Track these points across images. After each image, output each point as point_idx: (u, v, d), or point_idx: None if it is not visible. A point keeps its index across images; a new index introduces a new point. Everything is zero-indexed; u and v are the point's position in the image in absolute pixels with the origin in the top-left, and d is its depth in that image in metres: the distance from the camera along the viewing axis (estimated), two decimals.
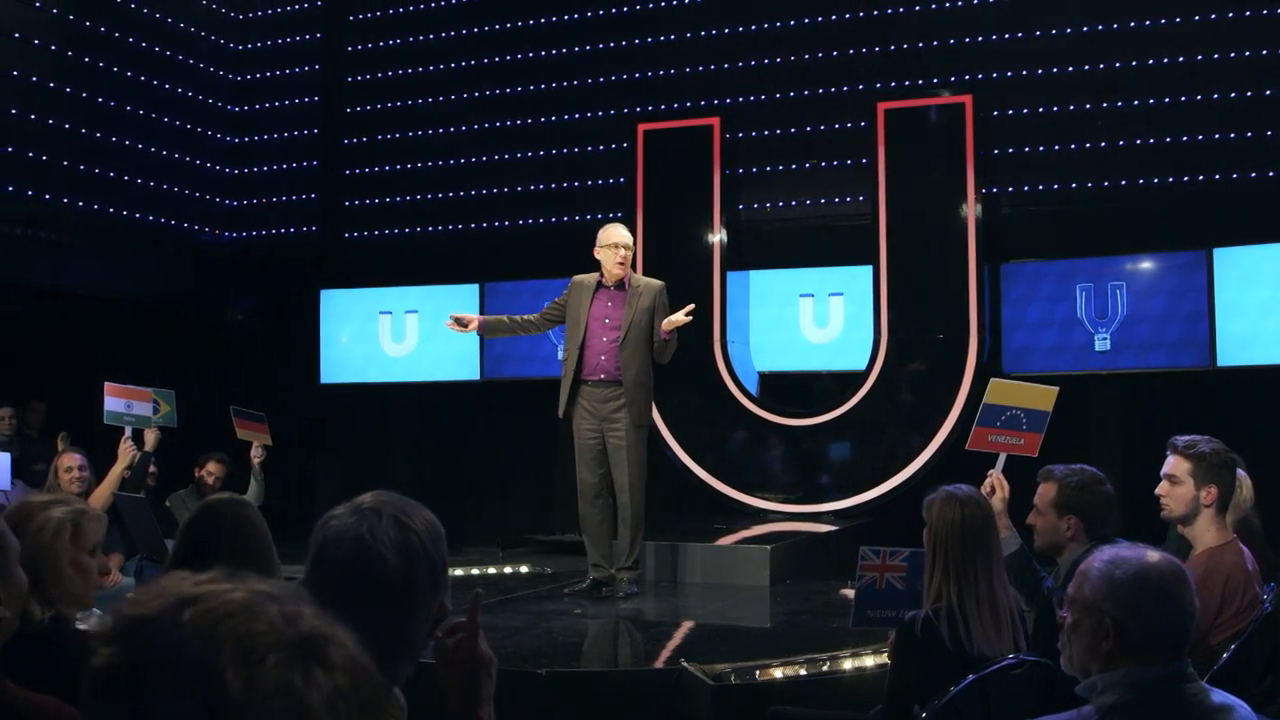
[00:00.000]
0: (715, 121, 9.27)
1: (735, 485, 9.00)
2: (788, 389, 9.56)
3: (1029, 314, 8.82)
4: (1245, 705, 2.42)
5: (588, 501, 6.74)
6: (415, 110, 10.91)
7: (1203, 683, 2.40)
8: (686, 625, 5.93)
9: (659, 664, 4.92)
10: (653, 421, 6.88)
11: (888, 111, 8.83)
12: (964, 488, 3.57)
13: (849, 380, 8.97)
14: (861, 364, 8.86)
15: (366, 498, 2.01)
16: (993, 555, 3.43)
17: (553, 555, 8.81)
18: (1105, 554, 2.45)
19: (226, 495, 3.04)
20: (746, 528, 8.34)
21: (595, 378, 6.71)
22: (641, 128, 9.47)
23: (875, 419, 8.77)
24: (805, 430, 8.94)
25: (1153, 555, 2.41)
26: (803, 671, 4.62)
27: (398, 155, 10.97)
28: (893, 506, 8.47)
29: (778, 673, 4.57)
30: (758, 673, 4.55)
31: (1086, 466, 3.95)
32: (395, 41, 11.02)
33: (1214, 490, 3.97)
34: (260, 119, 11.46)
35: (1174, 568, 2.38)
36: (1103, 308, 8.61)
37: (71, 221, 9.62)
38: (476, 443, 10.74)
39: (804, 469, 9.00)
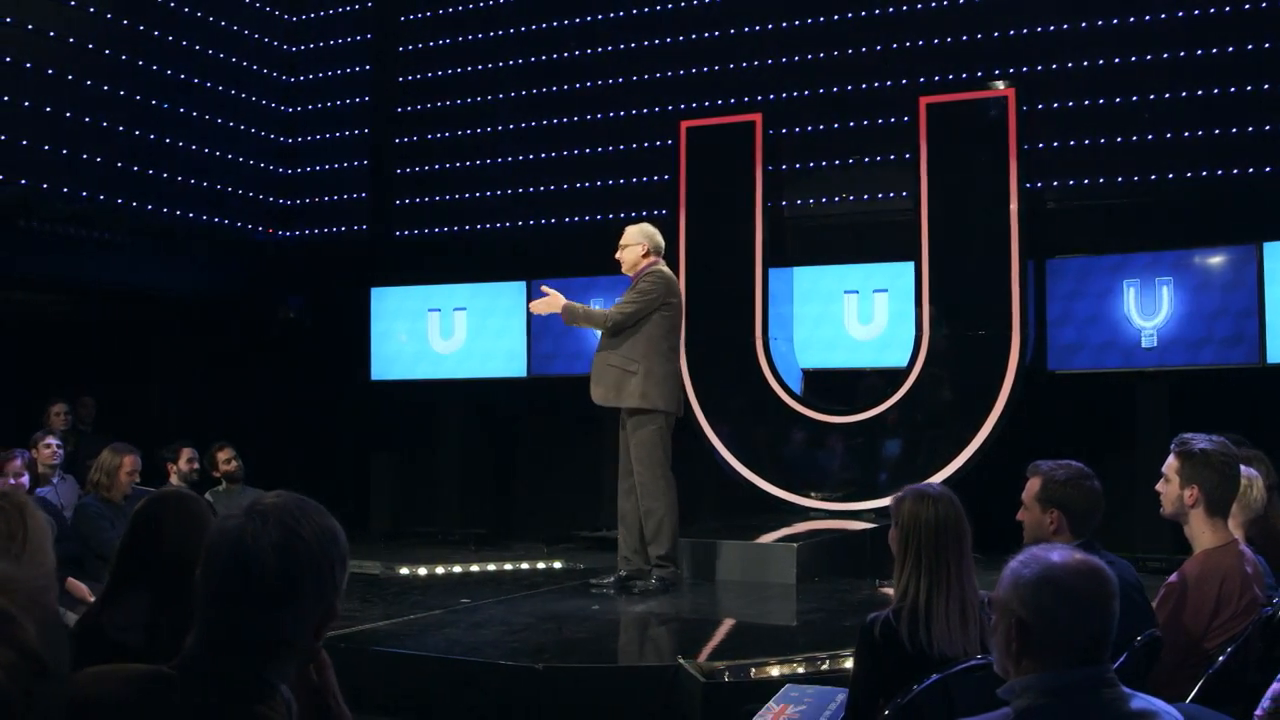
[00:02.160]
0: (757, 118, 9.23)
1: (776, 482, 8.96)
2: (832, 386, 9.49)
3: (1075, 310, 8.66)
4: (1172, 710, 2.37)
5: (621, 493, 6.86)
6: (464, 109, 11.01)
7: (1124, 688, 2.35)
8: (697, 622, 5.94)
9: (657, 660, 4.93)
10: (662, 410, 6.81)
11: (930, 105, 8.73)
12: (935, 485, 3.54)
13: (894, 377, 8.89)
14: (906, 360, 8.77)
15: (267, 499, 2.04)
16: (964, 553, 3.39)
17: (596, 552, 8.86)
18: (1024, 552, 2.41)
19: (174, 489, 3.11)
20: (788, 525, 8.30)
21: None
22: (684, 124, 9.47)
23: (917, 416, 8.68)
24: (846, 427, 8.88)
25: (1073, 556, 2.36)
26: (800, 670, 4.59)
27: (446, 154, 11.07)
28: None
29: (774, 671, 4.55)
30: (753, 670, 4.54)
31: (1073, 462, 3.87)
32: (445, 41, 11.12)
33: (1195, 490, 3.88)
34: (311, 119, 11.63)
35: (1087, 569, 2.32)
36: (1150, 304, 8.44)
37: (124, 221, 9.83)
38: (524, 439, 10.82)
39: (845, 466, 8.94)
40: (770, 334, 9.13)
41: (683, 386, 7.27)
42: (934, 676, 3.20)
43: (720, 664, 4.58)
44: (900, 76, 9.28)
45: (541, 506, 10.47)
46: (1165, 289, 8.41)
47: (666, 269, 6.99)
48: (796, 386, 9.24)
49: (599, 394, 6.89)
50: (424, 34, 11.21)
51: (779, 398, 9.00)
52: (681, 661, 4.61)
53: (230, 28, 10.97)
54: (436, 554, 9.20)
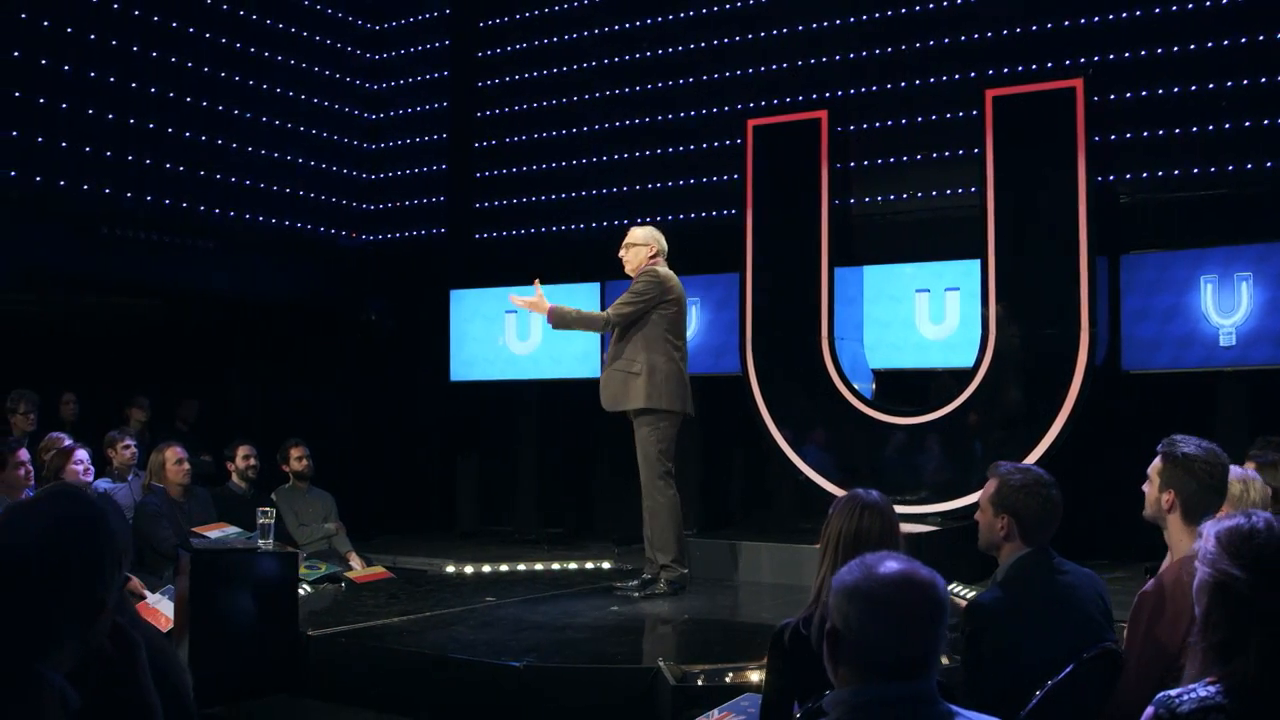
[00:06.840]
0: (823, 115, 9.10)
1: (842, 484, 8.81)
2: (904, 387, 9.32)
3: (1151, 307, 8.35)
4: None
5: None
6: (539, 113, 11.14)
7: (950, 706, 2.25)
8: (706, 624, 5.88)
9: (642, 663, 4.90)
10: (665, 409, 6.86)
11: (996, 99, 8.49)
12: (874, 494, 3.44)
13: (965, 377, 8.68)
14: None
15: (40, 493, 2.11)
16: None
17: None
18: (857, 559, 2.34)
19: (58, 485, 3.15)
20: None
21: None
22: (750, 123, 9.39)
23: (983, 417, 8.46)
24: (912, 429, 8.70)
25: (898, 568, 2.25)
26: None
27: (523, 157, 11.21)
28: None
29: (754, 676, 4.48)
30: (730, 675, 4.48)
31: (1035, 467, 3.75)
32: (521, 46, 11.25)
33: (1172, 495, 3.71)
34: (392, 125, 11.89)
35: (907, 582, 2.20)
36: (1229, 300, 8.09)
37: (209, 227, 10.17)
38: (598, 439, 10.86)
39: (910, 468, 8.75)
40: (837, 334, 9.00)
41: (687, 384, 7.12)
42: None
43: (697, 668, 4.54)
44: (968, 69, 9.07)
45: (617, 506, 10.49)
46: (1244, 285, 8.05)
47: (665, 268, 7.01)
48: (866, 387, 9.10)
49: (606, 399, 6.98)
50: (501, 40, 11.36)
51: (845, 398, 8.86)
52: (661, 664, 4.59)
53: (312, 37, 11.27)
54: (509, 553, 9.30)
